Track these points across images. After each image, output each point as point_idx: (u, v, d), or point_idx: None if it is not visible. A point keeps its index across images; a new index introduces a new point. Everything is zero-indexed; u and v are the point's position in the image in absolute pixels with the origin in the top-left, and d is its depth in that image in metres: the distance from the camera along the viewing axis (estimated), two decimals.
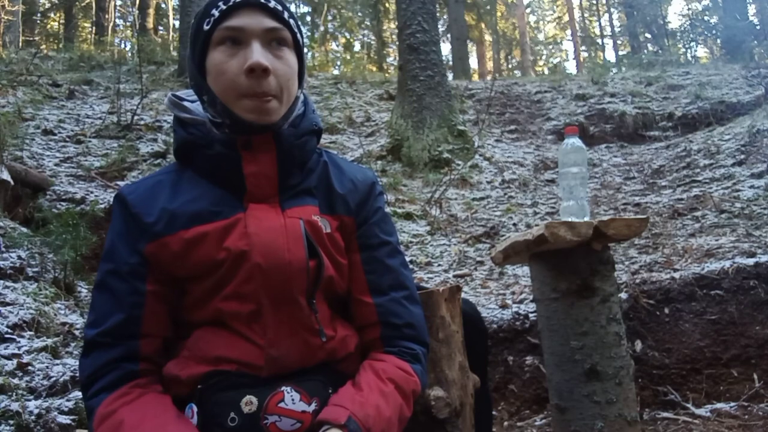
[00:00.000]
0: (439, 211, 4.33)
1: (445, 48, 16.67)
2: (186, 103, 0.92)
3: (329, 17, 18.96)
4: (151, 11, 13.93)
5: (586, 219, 1.50)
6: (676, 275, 2.44)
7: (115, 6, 15.67)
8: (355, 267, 0.96)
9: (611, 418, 1.46)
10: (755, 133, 4.69)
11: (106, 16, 13.98)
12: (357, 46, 20.50)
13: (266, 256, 0.85)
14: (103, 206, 3.65)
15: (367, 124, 6.67)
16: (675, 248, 2.99)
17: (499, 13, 21.09)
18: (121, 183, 4.28)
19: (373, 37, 19.53)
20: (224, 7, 0.85)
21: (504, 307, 2.61)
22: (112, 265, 0.87)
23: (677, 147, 5.32)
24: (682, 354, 2.27)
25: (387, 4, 16.79)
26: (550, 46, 28.08)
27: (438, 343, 1.13)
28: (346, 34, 19.84)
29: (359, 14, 18.81)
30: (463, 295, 1.26)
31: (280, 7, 0.88)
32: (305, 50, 0.99)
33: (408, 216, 4.23)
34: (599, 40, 24.88)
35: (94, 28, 15.86)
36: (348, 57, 18.38)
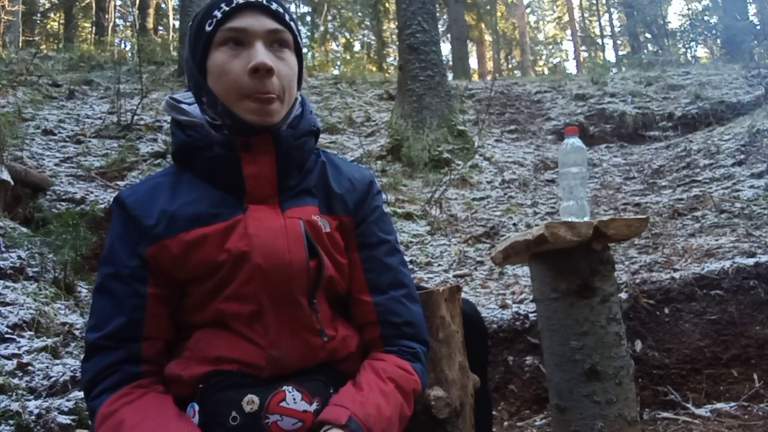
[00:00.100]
0: (439, 211, 4.33)
1: (445, 48, 16.69)
2: (184, 106, 0.92)
3: (329, 17, 18.97)
4: (151, 11, 13.93)
5: (586, 219, 1.51)
6: (676, 275, 2.44)
7: (115, 6, 15.67)
8: (354, 266, 0.96)
9: (611, 418, 1.46)
10: (755, 133, 4.69)
11: (106, 16, 13.99)
12: (357, 46, 20.53)
13: (267, 256, 0.85)
14: (103, 206, 3.65)
15: (367, 124, 6.67)
16: (675, 248, 2.99)
17: (499, 13, 21.09)
18: (121, 183, 4.28)
19: (373, 37, 19.53)
20: (227, 9, 0.86)
21: (504, 307, 2.61)
22: (112, 268, 0.87)
23: (677, 147, 5.32)
24: (682, 354, 2.27)
25: (387, 4, 16.79)
26: (550, 46, 28.08)
27: (438, 343, 1.13)
28: (346, 34, 19.85)
29: (359, 14, 18.81)
30: (463, 295, 1.26)
31: (281, 10, 0.89)
32: (305, 50, 1.00)
33: (408, 216, 4.23)
34: (599, 40, 24.90)
35: (94, 28, 15.87)
36: (348, 57, 18.38)
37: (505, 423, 2.28)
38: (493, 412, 2.20)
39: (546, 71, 23.68)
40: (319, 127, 0.98)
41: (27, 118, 5.30)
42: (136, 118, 5.61)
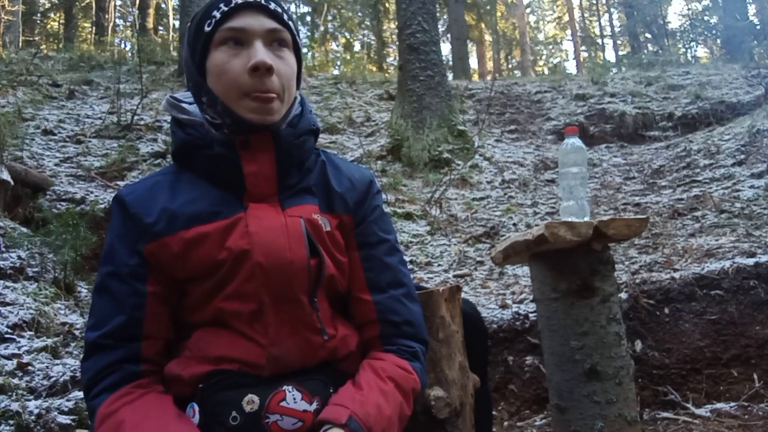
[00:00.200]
0: (439, 211, 4.33)
1: (445, 48, 16.69)
2: (184, 105, 0.93)
3: (329, 17, 18.97)
4: (151, 11, 13.93)
5: (586, 219, 1.51)
6: (676, 275, 2.44)
7: (115, 6, 15.67)
8: (353, 265, 0.97)
9: (611, 418, 1.46)
10: (755, 133, 4.69)
11: (106, 16, 13.99)
12: (357, 46, 20.53)
13: (267, 255, 0.85)
14: (103, 206, 3.65)
15: (367, 124, 6.67)
16: (675, 248, 2.99)
17: (499, 13, 21.09)
18: (121, 183, 4.28)
19: (373, 37, 19.53)
20: (226, 9, 0.86)
21: (504, 307, 2.61)
22: (112, 267, 0.87)
23: (677, 147, 5.32)
24: (682, 354, 2.27)
25: (387, 4, 16.79)
26: (550, 46, 28.09)
27: (438, 343, 1.13)
28: (346, 34, 19.85)
29: (359, 14, 18.82)
30: (463, 295, 1.26)
31: (279, 9, 0.90)
32: (304, 50, 1.00)
33: (408, 216, 4.23)
34: (599, 40, 24.90)
35: (94, 28, 15.87)
36: (348, 57, 18.38)
37: (505, 423, 2.28)
38: (493, 412, 2.20)
39: (546, 71, 23.69)
40: (319, 126, 0.99)
41: (27, 118, 5.30)
42: (136, 118, 5.61)
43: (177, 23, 13.52)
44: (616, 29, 22.82)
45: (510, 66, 24.72)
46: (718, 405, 2.13)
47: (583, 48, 23.96)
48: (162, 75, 7.88)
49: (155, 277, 0.86)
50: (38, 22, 15.51)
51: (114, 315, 0.84)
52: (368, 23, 18.90)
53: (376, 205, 1.02)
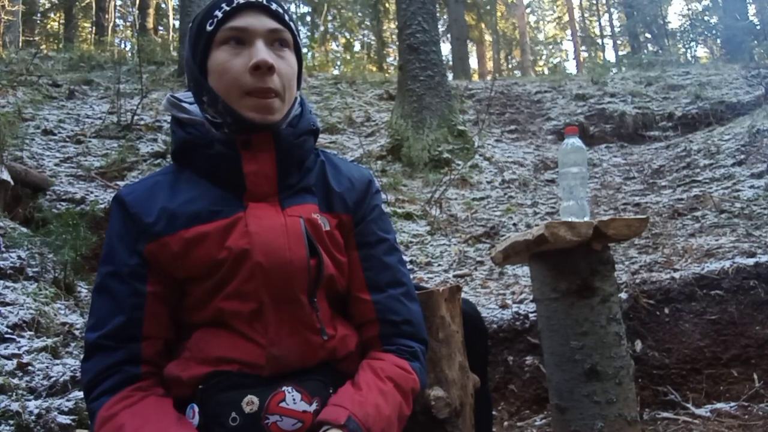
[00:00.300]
0: (439, 211, 4.33)
1: (445, 48, 16.68)
2: (184, 104, 0.93)
3: (329, 17, 18.97)
4: (151, 11, 13.93)
5: (586, 219, 1.51)
6: (676, 275, 2.44)
7: (115, 6, 15.67)
8: (353, 264, 0.97)
9: (611, 418, 1.46)
10: (755, 133, 4.69)
11: (106, 16, 13.99)
12: (357, 46, 20.52)
13: (267, 254, 0.85)
14: (103, 206, 3.65)
15: (367, 124, 6.67)
16: (675, 248, 2.99)
17: (499, 13, 21.09)
18: (121, 183, 4.28)
19: (373, 37, 19.53)
20: (227, 8, 0.87)
21: (504, 307, 2.61)
22: (112, 267, 0.87)
23: (677, 147, 5.32)
24: (682, 354, 2.27)
25: (387, 4, 16.79)
26: (550, 46, 28.09)
27: (438, 343, 1.13)
28: (346, 34, 19.85)
29: (359, 14, 18.82)
30: (463, 295, 1.26)
31: (281, 10, 0.90)
32: (305, 50, 1.00)
33: (408, 216, 4.23)
34: (599, 40, 24.90)
35: (94, 28, 15.86)
36: (348, 57, 18.38)
37: (505, 423, 2.28)
38: (493, 412, 2.20)
39: (546, 71, 23.69)
40: (319, 126, 0.99)
41: (27, 118, 5.30)
42: (136, 118, 5.61)
43: (177, 23, 13.52)
44: (616, 29, 22.82)
45: (510, 66, 24.73)
46: (718, 405, 2.13)
47: (583, 48, 23.96)
48: (162, 75, 7.88)
49: (155, 277, 0.86)
50: (38, 22, 15.51)
51: (114, 315, 0.84)
52: (368, 23, 18.90)
53: (375, 204, 1.02)
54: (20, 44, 10.87)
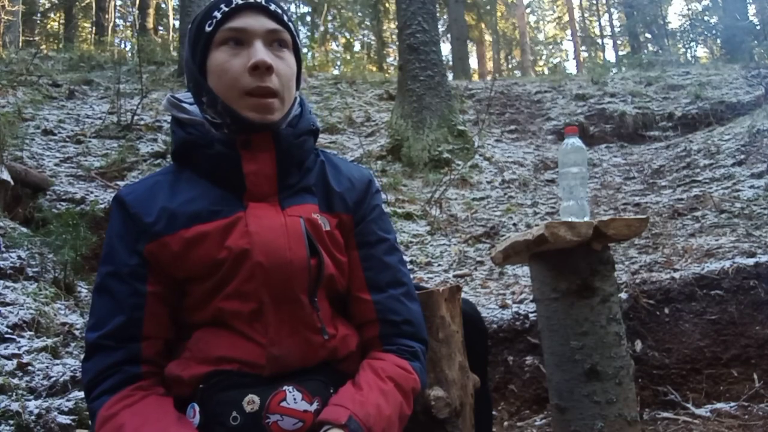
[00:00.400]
0: (439, 211, 4.33)
1: (445, 48, 16.68)
2: (185, 105, 0.93)
3: (329, 17, 18.97)
4: (151, 11, 13.93)
5: (586, 219, 1.51)
6: (676, 275, 2.44)
7: (115, 6, 15.67)
8: (353, 264, 0.97)
9: (611, 418, 1.46)
10: (755, 133, 4.69)
11: (106, 16, 13.99)
12: (357, 46, 20.52)
13: (268, 254, 0.85)
14: (103, 206, 3.65)
15: (367, 124, 6.67)
16: (675, 248, 2.99)
17: (499, 13, 21.09)
18: (121, 183, 4.28)
19: (373, 37, 19.53)
20: (226, 9, 0.87)
21: (504, 307, 2.61)
22: (112, 267, 0.87)
23: (677, 147, 5.32)
24: (682, 354, 2.27)
25: (387, 4, 16.79)
26: (550, 46, 28.09)
27: (438, 343, 1.13)
28: (346, 34, 19.85)
29: (359, 14, 18.82)
30: (463, 295, 1.26)
31: (279, 10, 0.90)
32: (304, 50, 1.01)
33: (408, 216, 4.23)
34: (599, 40, 24.90)
35: (94, 28, 15.86)
36: (348, 57, 18.37)
37: (505, 423, 2.28)
38: (493, 412, 2.20)
39: (546, 71, 23.69)
40: (318, 126, 0.99)
41: (27, 118, 5.30)
42: (136, 118, 5.61)
43: (177, 23, 13.52)
44: (616, 29, 22.81)
45: (510, 66, 24.72)
46: (718, 405, 2.13)
47: (583, 48, 23.96)
48: (162, 75, 7.88)
49: (155, 277, 0.87)
50: (38, 22, 15.51)
51: (114, 315, 0.84)
52: (368, 23, 18.90)
53: (375, 204, 1.02)
54: (20, 44, 10.87)
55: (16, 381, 1.94)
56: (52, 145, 4.88)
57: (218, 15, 0.87)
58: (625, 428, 1.46)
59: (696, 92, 6.60)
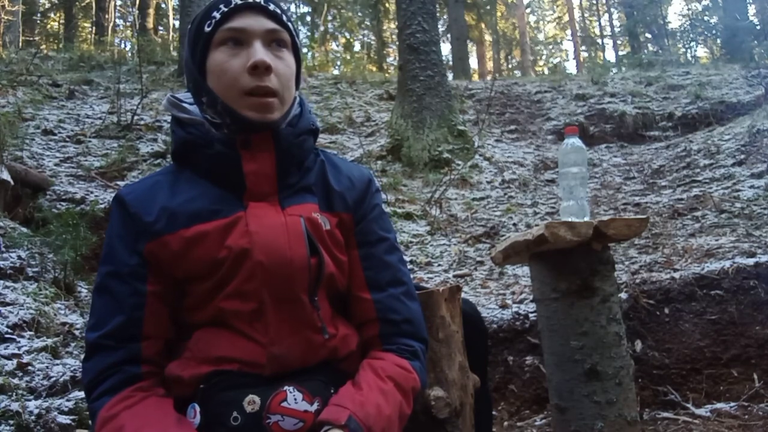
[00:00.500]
0: (439, 211, 4.33)
1: (445, 48, 16.67)
2: (185, 105, 0.94)
3: (329, 17, 18.96)
4: (151, 11, 13.94)
5: (586, 219, 1.51)
6: (676, 275, 2.44)
7: (115, 6, 15.67)
8: (353, 263, 0.97)
9: (611, 418, 1.46)
10: (755, 133, 4.69)
11: (106, 16, 13.99)
12: (357, 46, 20.52)
13: (268, 254, 0.85)
14: (103, 206, 3.65)
15: (367, 124, 6.67)
16: (675, 248, 2.99)
17: (499, 13, 21.08)
18: (121, 183, 4.28)
19: (373, 37, 19.53)
20: (225, 9, 0.88)
21: (504, 307, 2.61)
22: (112, 267, 0.87)
23: (677, 147, 5.32)
24: (682, 354, 2.27)
25: (387, 4, 16.78)
26: (550, 46, 28.09)
27: (438, 343, 1.13)
28: (346, 34, 19.84)
29: (359, 14, 18.81)
30: (463, 295, 1.26)
31: (279, 10, 0.91)
32: (305, 50, 1.01)
33: (408, 216, 4.23)
34: (599, 40, 24.89)
35: (94, 28, 15.86)
36: (348, 57, 18.37)
37: (505, 423, 2.28)
38: (493, 412, 2.20)
39: (546, 71, 23.68)
40: (318, 126, 0.99)
41: (27, 118, 5.30)
42: (136, 118, 5.61)
43: (177, 23, 13.52)
44: (616, 29, 22.80)
45: (510, 66, 24.72)
46: (718, 405, 2.13)
47: (583, 48, 23.96)
48: (162, 75, 7.88)
49: (155, 277, 0.87)
50: (38, 22, 15.52)
51: (114, 315, 0.84)
52: (368, 23, 18.90)
53: (375, 203, 1.02)
54: (20, 44, 10.87)
55: (16, 381, 1.94)
56: (52, 145, 4.88)
57: (217, 15, 0.88)
58: (625, 428, 1.46)
59: (696, 92, 6.60)
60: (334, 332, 0.90)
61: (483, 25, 18.71)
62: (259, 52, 0.86)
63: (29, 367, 2.04)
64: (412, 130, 5.56)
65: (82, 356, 0.86)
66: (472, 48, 19.35)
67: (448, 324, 1.15)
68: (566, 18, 24.72)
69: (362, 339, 0.96)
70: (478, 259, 3.50)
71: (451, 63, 13.94)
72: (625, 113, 6.42)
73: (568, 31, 24.70)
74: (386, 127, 6.15)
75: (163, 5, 17.64)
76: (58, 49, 10.08)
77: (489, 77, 16.38)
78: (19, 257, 2.79)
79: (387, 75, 10.55)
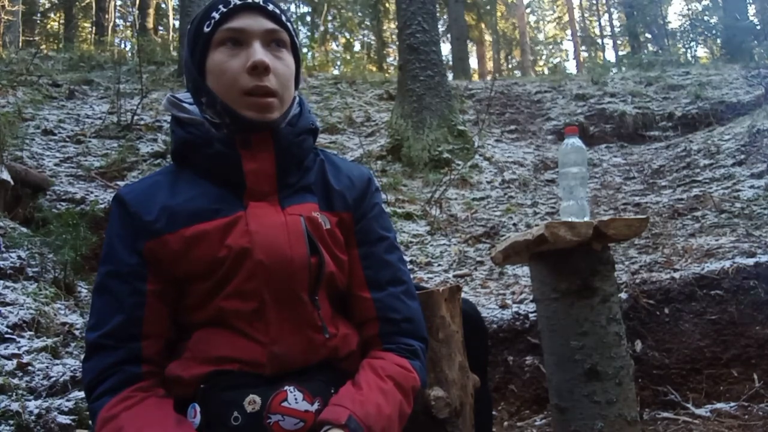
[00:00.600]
0: (439, 211, 4.33)
1: (445, 48, 16.66)
2: (184, 104, 0.94)
3: (329, 17, 18.96)
4: (151, 11, 13.93)
5: (586, 219, 1.51)
6: (676, 275, 2.44)
7: (115, 6, 15.67)
8: (353, 262, 0.97)
9: (611, 418, 1.46)
10: (755, 133, 4.69)
11: (106, 16, 13.99)
12: (357, 46, 20.51)
13: (268, 253, 0.85)
14: (103, 206, 3.65)
15: (367, 124, 6.67)
16: (675, 248, 2.99)
17: (499, 13, 21.08)
18: (121, 183, 4.28)
19: (373, 37, 19.53)
20: (224, 10, 0.88)
21: (504, 307, 2.61)
22: (112, 266, 0.87)
23: (677, 147, 5.32)
24: (682, 354, 2.27)
25: (387, 4, 16.79)
26: (550, 46, 28.09)
27: (438, 343, 1.13)
28: (346, 34, 19.83)
29: (359, 14, 18.81)
30: (463, 295, 1.26)
31: (278, 11, 0.91)
32: (304, 51, 1.01)
33: (408, 216, 4.23)
34: (599, 40, 24.89)
35: (94, 28, 15.86)
36: (348, 57, 18.36)
37: (505, 423, 2.28)
38: (493, 412, 2.20)
39: (546, 71, 23.68)
40: (318, 125, 0.99)
41: (27, 118, 5.30)
42: (136, 118, 5.61)
43: (177, 23, 13.53)
44: (616, 29, 22.79)
45: (510, 66, 24.71)
46: (718, 405, 2.13)
47: (583, 48, 23.96)
48: (162, 75, 7.88)
49: (155, 276, 0.87)
50: (38, 22, 15.52)
51: (114, 314, 0.84)
52: (368, 23, 18.90)
53: (375, 202, 1.02)
54: (20, 44, 10.87)
55: (16, 381, 1.94)
56: (52, 145, 4.88)
57: (216, 15, 0.88)
58: (625, 428, 1.46)
59: (696, 92, 6.60)
60: (335, 332, 0.90)
61: (483, 25, 18.71)
62: (259, 52, 0.86)
63: (29, 367, 2.04)
64: (412, 130, 5.56)
65: (82, 356, 0.86)
66: (472, 48, 19.35)
67: (448, 324, 1.15)
68: (566, 18, 24.72)
69: (362, 338, 0.96)
70: (478, 259, 3.50)
71: (451, 63, 13.94)
72: (625, 113, 6.42)
73: (568, 31, 24.70)
74: (386, 127, 6.15)
75: (163, 5, 17.64)
76: (58, 49, 10.08)
77: (489, 77, 16.39)
78: (19, 257, 2.79)
79: (387, 75, 10.55)
